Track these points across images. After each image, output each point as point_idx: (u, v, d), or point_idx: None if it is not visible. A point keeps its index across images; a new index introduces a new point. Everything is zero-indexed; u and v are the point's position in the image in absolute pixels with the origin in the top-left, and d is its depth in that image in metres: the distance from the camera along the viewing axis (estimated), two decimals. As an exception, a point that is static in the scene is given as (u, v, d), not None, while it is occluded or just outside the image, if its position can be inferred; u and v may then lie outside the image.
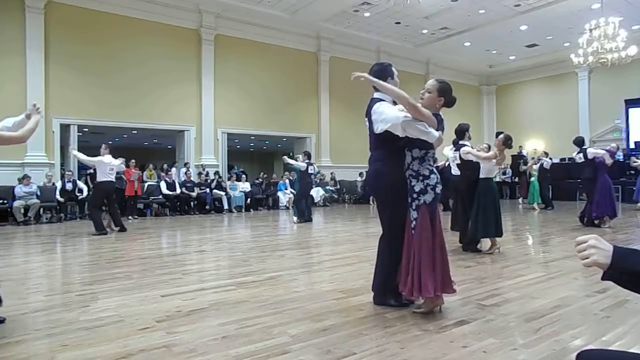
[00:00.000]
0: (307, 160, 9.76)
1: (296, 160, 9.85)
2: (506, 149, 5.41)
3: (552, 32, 15.24)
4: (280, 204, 13.76)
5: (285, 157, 9.94)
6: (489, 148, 5.68)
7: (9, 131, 3.12)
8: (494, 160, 5.29)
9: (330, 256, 5.57)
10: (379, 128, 2.99)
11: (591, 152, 7.99)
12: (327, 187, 15.11)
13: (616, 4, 12.49)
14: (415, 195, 2.99)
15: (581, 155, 8.13)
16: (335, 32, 15.26)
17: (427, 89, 3.03)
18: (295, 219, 9.49)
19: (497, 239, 5.40)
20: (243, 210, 12.85)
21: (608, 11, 12.01)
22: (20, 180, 9.87)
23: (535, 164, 12.27)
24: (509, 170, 17.20)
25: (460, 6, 13.19)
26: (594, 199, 7.73)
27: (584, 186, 8.59)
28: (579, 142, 8.35)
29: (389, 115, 2.92)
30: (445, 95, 3.01)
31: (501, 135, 5.49)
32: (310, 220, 9.54)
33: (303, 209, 9.51)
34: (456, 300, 3.29)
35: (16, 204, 9.56)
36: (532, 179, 12.13)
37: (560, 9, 13.23)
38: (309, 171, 9.78)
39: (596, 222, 7.76)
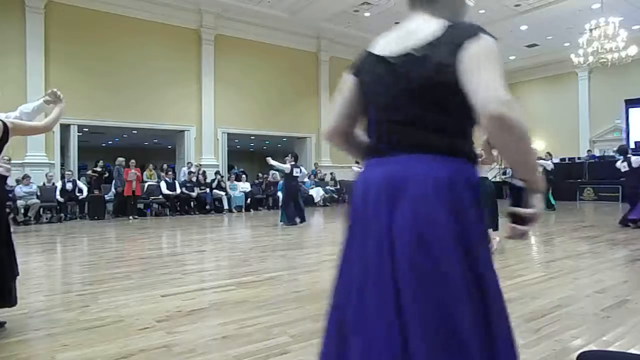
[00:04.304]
0: (292, 162, 9.15)
1: (284, 162, 9.22)
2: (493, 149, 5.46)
3: (552, 32, 15.24)
4: (280, 204, 13.72)
5: (269, 158, 9.35)
6: None
7: (28, 118, 3.03)
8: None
9: (330, 256, 5.56)
10: None
11: (636, 160, 7.89)
12: (327, 187, 15.10)
13: (616, 4, 12.49)
14: None
15: (625, 164, 8.10)
16: (335, 32, 15.25)
17: None
18: (281, 223, 8.98)
19: (494, 238, 5.37)
20: (243, 210, 12.85)
21: (608, 11, 12.01)
22: (20, 180, 9.87)
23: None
24: (509, 171, 17.15)
25: (460, 6, 13.18)
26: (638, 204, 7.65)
27: (628, 193, 8.51)
28: (623, 151, 8.27)
29: None
30: None
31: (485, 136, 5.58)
32: (304, 220, 9.18)
33: (290, 214, 8.93)
34: (456, 300, 3.29)
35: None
36: None
37: (560, 9, 13.23)
38: (294, 174, 9.17)
39: (631, 225, 7.66)
